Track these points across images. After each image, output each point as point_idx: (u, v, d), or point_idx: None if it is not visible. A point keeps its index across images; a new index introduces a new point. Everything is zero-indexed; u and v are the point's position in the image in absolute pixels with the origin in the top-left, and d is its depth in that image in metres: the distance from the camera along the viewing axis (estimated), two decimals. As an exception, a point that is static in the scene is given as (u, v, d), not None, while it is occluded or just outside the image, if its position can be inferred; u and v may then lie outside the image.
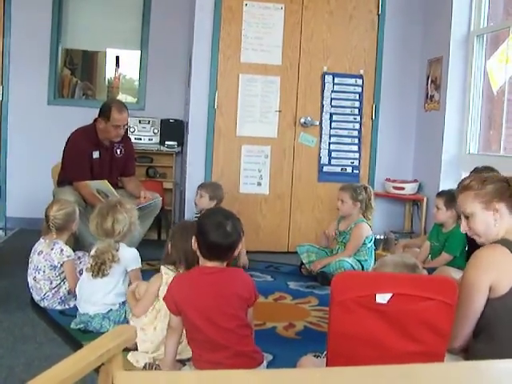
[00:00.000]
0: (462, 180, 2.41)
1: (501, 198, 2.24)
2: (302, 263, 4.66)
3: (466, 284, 2.14)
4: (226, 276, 2.46)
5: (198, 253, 2.48)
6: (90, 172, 4.55)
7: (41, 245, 3.64)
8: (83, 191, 4.45)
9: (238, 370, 1.75)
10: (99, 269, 3.24)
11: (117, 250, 3.28)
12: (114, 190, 4.44)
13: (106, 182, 4.44)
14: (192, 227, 2.62)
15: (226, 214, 2.51)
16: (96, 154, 4.61)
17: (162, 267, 2.92)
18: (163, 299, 2.56)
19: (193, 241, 2.49)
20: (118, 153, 4.74)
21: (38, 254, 3.60)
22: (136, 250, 3.42)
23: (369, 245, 4.49)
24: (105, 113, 4.51)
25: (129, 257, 3.33)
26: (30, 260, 3.64)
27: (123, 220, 3.31)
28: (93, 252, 3.32)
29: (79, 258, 3.72)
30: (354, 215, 4.53)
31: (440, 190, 4.70)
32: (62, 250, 3.58)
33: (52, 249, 3.57)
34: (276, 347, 3.04)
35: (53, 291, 3.57)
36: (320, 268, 4.43)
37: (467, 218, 2.31)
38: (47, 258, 3.57)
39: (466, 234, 3.80)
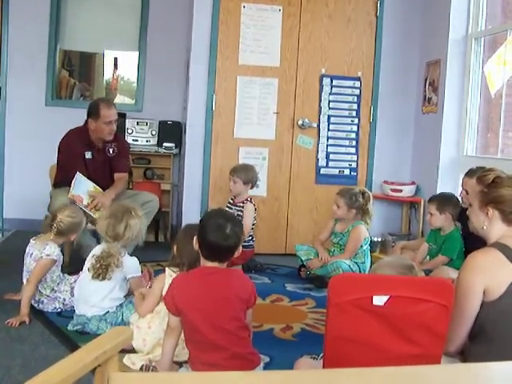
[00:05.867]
0: (483, 170, 2.38)
1: (497, 207, 2.22)
2: (302, 265, 4.64)
3: (459, 286, 2.14)
4: (226, 277, 2.48)
5: (200, 253, 2.50)
6: (84, 172, 4.52)
7: (32, 247, 3.57)
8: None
9: (235, 372, 1.75)
10: (102, 271, 3.22)
11: (122, 256, 3.29)
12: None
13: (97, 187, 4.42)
14: (195, 230, 2.63)
15: (227, 216, 2.57)
16: (88, 155, 4.57)
17: (166, 269, 2.94)
18: (163, 299, 2.56)
19: (194, 241, 2.51)
20: (111, 152, 4.67)
21: (30, 256, 3.54)
22: (136, 259, 3.40)
23: (365, 247, 4.47)
24: (94, 112, 4.46)
25: (130, 265, 3.32)
26: (24, 262, 3.59)
27: (135, 226, 3.32)
28: (98, 252, 3.30)
29: None
30: (350, 218, 4.52)
31: (438, 192, 4.69)
32: (45, 249, 3.48)
33: (41, 251, 3.48)
34: (273, 349, 3.05)
35: (48, 298, 3.54)
36: (316, 268, 4.41)
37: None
38: (37, 261, 3.49)
39: (464, 236, 3.85)
